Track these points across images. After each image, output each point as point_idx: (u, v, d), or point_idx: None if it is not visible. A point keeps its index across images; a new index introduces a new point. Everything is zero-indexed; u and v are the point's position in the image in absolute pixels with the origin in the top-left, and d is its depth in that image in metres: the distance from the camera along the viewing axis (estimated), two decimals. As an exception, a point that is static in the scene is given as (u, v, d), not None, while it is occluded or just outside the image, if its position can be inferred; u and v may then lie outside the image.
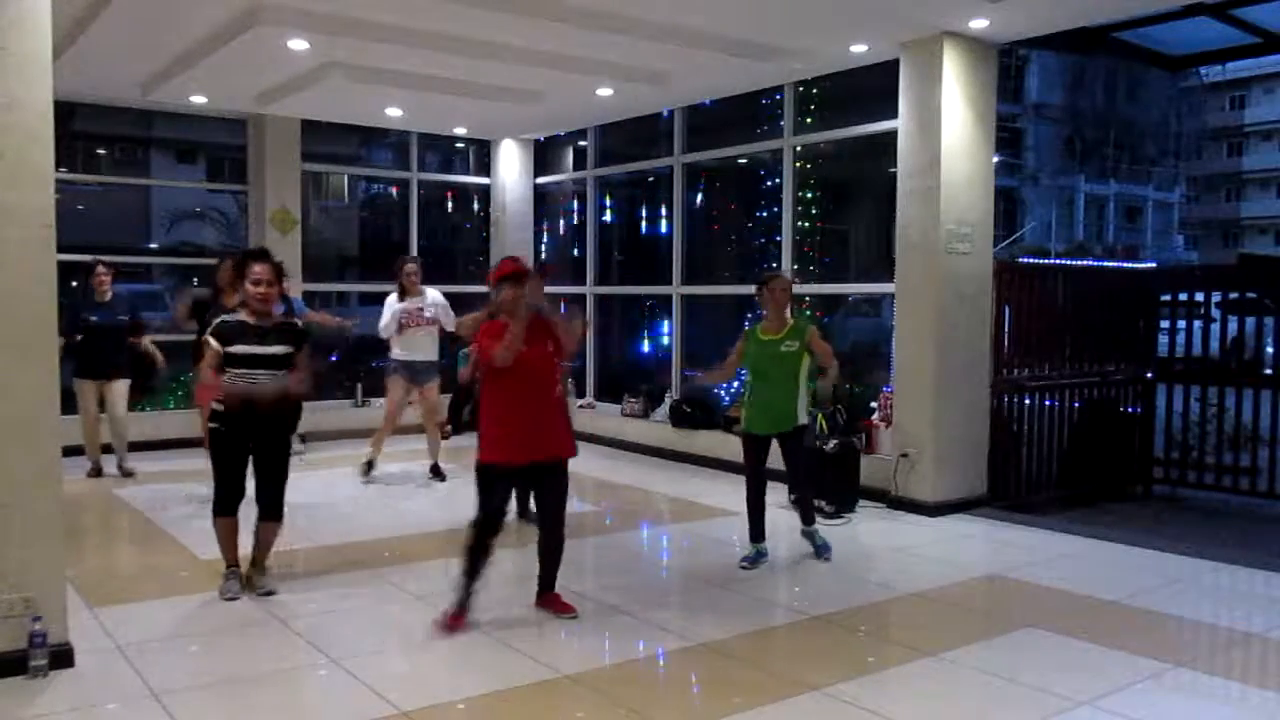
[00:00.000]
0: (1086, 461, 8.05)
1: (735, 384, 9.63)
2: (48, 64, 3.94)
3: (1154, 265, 16.00)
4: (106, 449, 8.19)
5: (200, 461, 8.45)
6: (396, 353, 7.88)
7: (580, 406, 10.24)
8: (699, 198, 10.16)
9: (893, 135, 7.34)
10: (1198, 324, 8.43)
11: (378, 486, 7.80)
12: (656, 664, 4.26)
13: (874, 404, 7.81)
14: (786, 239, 8.72)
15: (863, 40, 7.15)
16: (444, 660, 4.35)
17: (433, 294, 8.01)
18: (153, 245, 11.62)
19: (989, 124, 7.27)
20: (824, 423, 7.32)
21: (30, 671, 3.88)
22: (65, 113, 8.53)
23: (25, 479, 3.90)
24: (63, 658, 4.00)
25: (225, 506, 5.03)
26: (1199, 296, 8.64)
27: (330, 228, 12.01)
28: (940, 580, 5.46)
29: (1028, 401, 7.67)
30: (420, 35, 7.01)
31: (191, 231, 11.40)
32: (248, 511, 5.09)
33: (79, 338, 7.77)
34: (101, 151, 10.84)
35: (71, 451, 8.19)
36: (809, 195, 8.81)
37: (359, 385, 10.59)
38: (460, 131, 11.02)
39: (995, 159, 7.51)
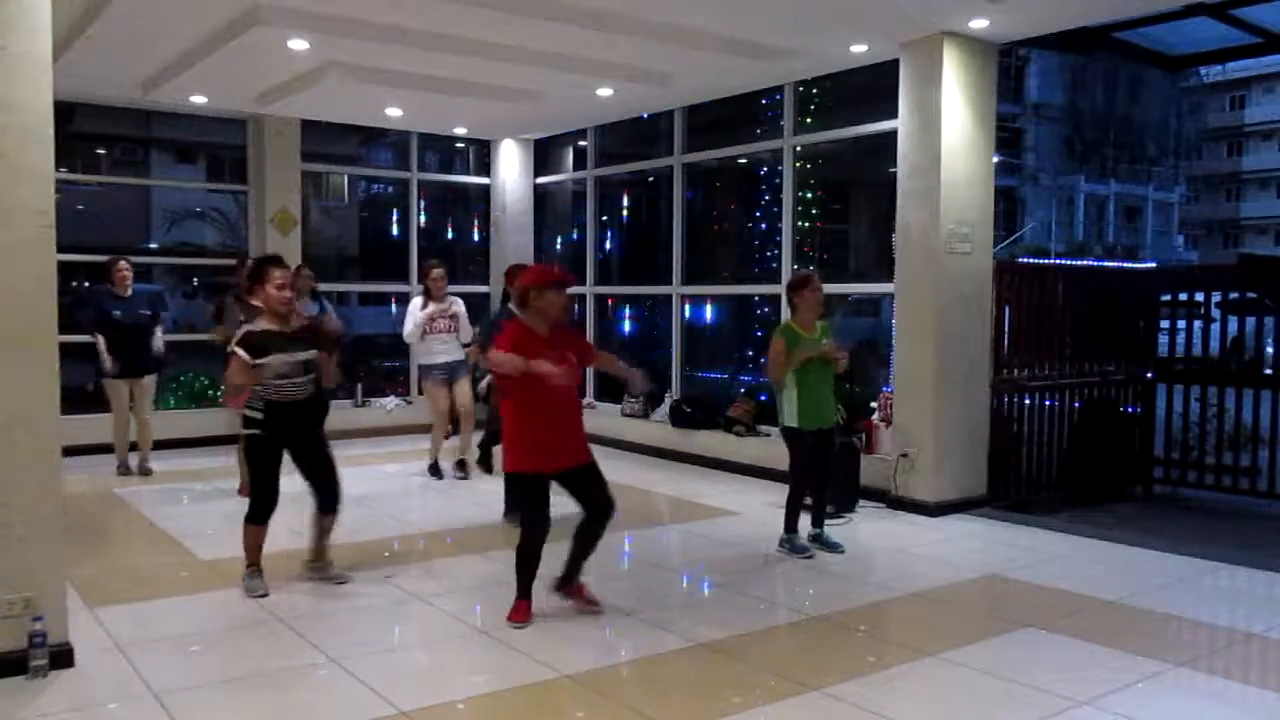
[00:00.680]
0: (1087, 461, 8.05)
1: (736, 384, 9.65)
2: (48, 64, 3.94)
3: (1154, 265, 16.00)
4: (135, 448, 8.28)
5: (198, 461, 8.48)
6: (433, 359, 7.95)
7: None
8: (699, 198, 10.16)
9: (893, 135, 7.34)
10: (1198, 324, 8.43)
11: (379, 486, 7.80)
12: (656, 664, 4.25)
13: (874, 404, 7.81)
14: (786, 239, 8.73)
15: (863, 40, 7.15)
16: (444, 660, 4.35)
17: (454, 299, 8.07)
18: (152, 245, 11.62)
19: (989, 124, 7.27)
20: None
21: (30, 671, 3.88)
22: (65, 113, 8.54)
23: (25, 479, 3.90)
24: (63, 658, 4.00)
25: (262, 515, 5.08)
26: (1199, 296, 8.64)
27: (330, 228, 12.02)
28: (940, 580, 5.46)
29: (1028, 401, 7.66)
30: (420, 35, 7.01)
31: (191, 231, 11.41)
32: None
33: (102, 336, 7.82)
34: (101, 151, 10.84)
35: (88, 451, 8.31)
36: (809, 195, 8.81)
37: (359, 386, 10.60)
38: (460, 131, 11.02)
39: (995, 159, 7.51)
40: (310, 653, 4.29)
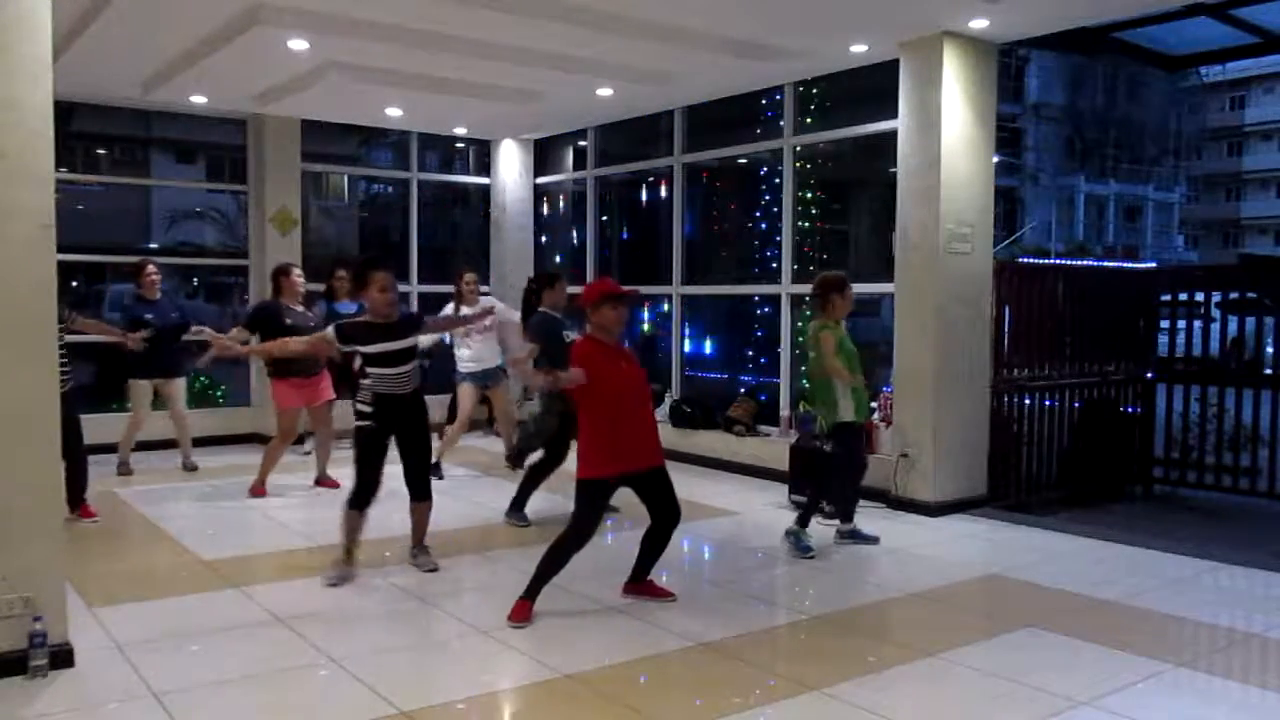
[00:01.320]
0: (1087, 461, 8.05)
1: (736, 386, 9.65)
2: (48, 64, 3.94)
3: (1154, 265, 16.00)
4: (146, 447, 8.30)
5: (199, 460, 8.47)
6: (464, 364, 7.93)
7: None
8: (699, 198, 10.16)
9: (893, 135, 7.34)
10: (1198, 324, 8.43)
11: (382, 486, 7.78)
12: (656, 664, 4.25)
13: (874, 404, 7.80)
14: (786, 239, 8.73)
15: (863, 40, 7.15)
16: (444, 660, 4.35)
17: (489, 301, 8.09)
18: (153, 245, 11.62)
19: (989, 124, 7.27)
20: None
21: (30, 671, 3.88)
22: (65, 113, 8.54)
23: (25, 479, 3.90)
24: (63, 658, 4.00)
25: (363, 502, 5.30)
26: (1199, 296, 8.64)
27: (330, 228, 12.02)
28: (940, 580, 5.46)
29: (1028, 401, 7.66)
30: (420, 35, 7.01)
31: (191, 231, 11.42)
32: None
33: (144, 337, 7.83)
34: (101, 151, 10.85)
35: (88, 451, 8.31)
36: (809, 195, 8.81)
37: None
38: (460, 131, 11.03)
39: (995, 159, 7.51)
40: (310, 653, 4.29)
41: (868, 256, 8.94)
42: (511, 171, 11.54)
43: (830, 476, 6.28)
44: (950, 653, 4.32)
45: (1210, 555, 6.01)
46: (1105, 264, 16.93)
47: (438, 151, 11.80)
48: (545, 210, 11.91)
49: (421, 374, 5.47)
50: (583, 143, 11.08)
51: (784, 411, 8.62)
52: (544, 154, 11.71)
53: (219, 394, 10.15)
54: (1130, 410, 8.46)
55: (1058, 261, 21.58)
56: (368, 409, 5.27)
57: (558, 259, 11.61)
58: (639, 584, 5.03)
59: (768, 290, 9.06)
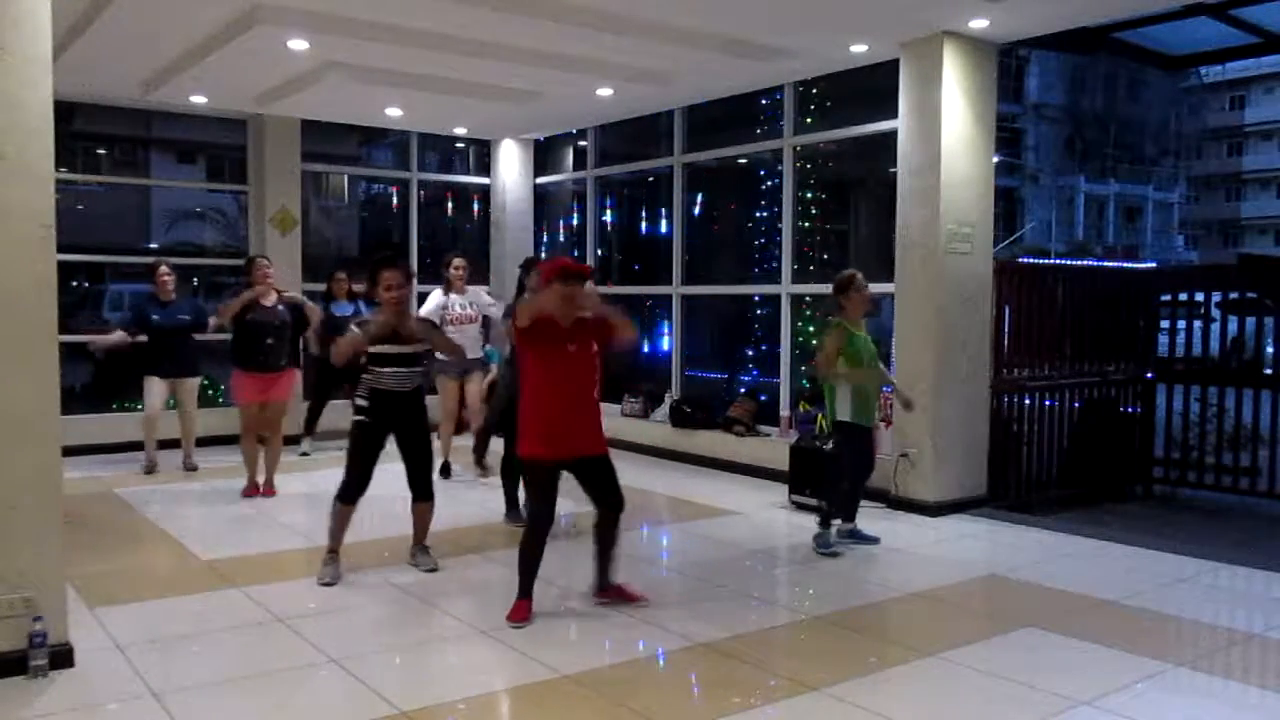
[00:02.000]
0: (1086, 461, 8.05)
1: (737, 386, 9.65)
2: (48, 64, 3.94)
3: (1154, 265, 16.00)
4: (137, 447, 8.33)
5: (199, 460, 8.47)
6: (441, 356, 7.81)
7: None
8: (699, 198, 10.16)
9: (893, 135, 7.34)
10: (1198, 324, 8.43)
11: (381, 486, 7.78)
12: (656, 664, 4.26)
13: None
14: (786, 239, 8.73)
15: (863, 40, 7.15)
16: (444, 660, 4.35)
17: (476, 291, 8.07)
18: (153, 245, 11.62)
19: (989, 124, 7.27)
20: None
21: (30, 671, 3.88)
22: (65, 113, 8.54)
23: (25, 479, 3.90)
24: (63, 658, 4.00)
25: (352, 495, 5.31)
26: (1199, 296, 8.65)
27: (330, 228, 12.01)
28: (940, 580, 5.46)
29: (1028, 401, 7.66)
30: (420, 35, 7.01)
31: (191, 231, 11.41)
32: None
33: (144, 337, 7.95)
34: (101, 151, 10.84)
35: (88, 451, 8.33)
36: (809, 195, 8.81)
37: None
38: (460, 131, 11.03)
39: (995, 159, 7.51)
40: (310, 653, 4.29)
41: (868, 256, 8.92)
42: (511, 171, 11.54)
43: (826, 476, 6.27)
44: (950, 653, 4.32)
45: (1210, 555, 6.01)
46: (1105, 264, 16.93)
47: (438, 151, 11.79)
48: (545, 210, 11.90)
49: (424, 375, 5.48)
50: (583, 143, 11.08)
51: (784, 411, 8.62)
52: (544, 154, 11.71)
53: (220, 395, 10.14)
54: (1130, 410, 8.46)
55: (1058, 261, 21.59)
56: (364, 403, 5.26)
57: (555, 249, 11.60)
58: (606, 589, 4.90)
59: (768, 290, 9.06)
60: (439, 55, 7.39)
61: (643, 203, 11.31)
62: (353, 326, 5.33)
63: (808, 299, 8.68)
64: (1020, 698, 3.86)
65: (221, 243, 10.90)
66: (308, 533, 6.38)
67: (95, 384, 9.18)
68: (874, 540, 6.18)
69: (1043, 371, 7.78)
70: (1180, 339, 8.56)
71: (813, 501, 6.87)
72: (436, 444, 8.20)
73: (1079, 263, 16.06)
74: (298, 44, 7.20)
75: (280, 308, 7.32)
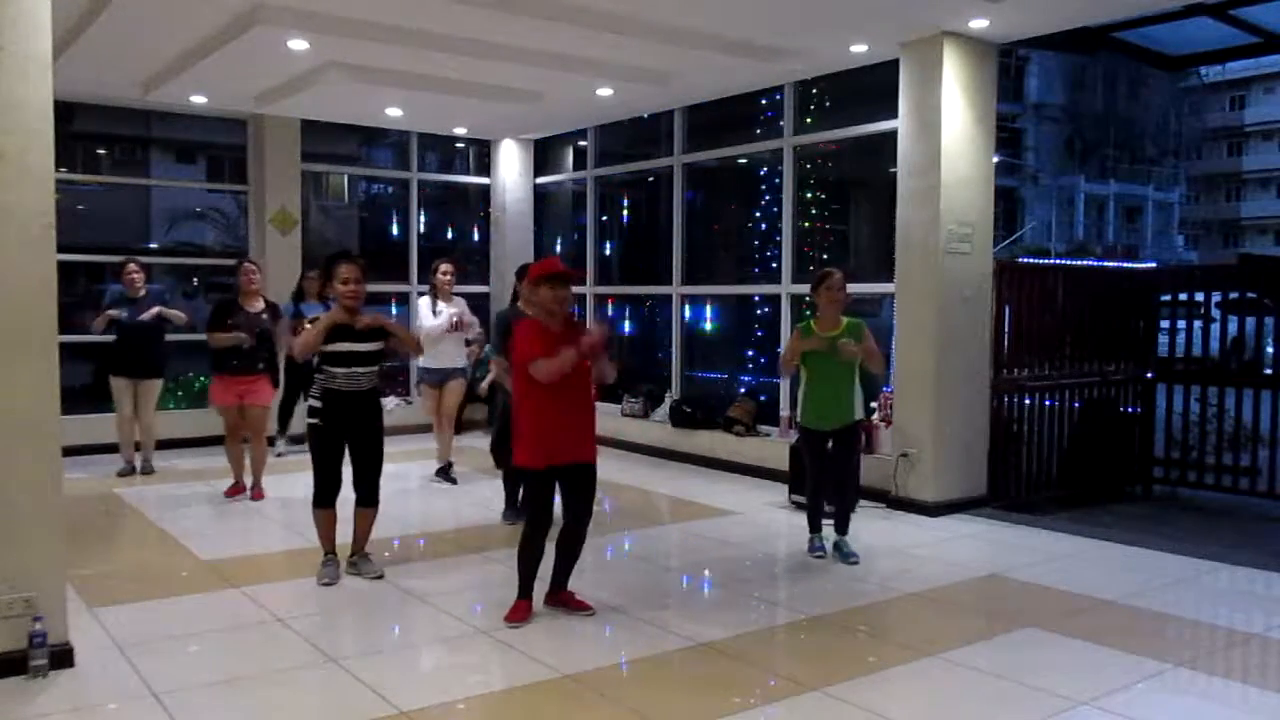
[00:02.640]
0: (1086, 461, 8.05)
1: (738, 385, 9.65)
2: (48, 64, 3.94)
3: (1154, 265, 15.99)
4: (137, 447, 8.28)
5: (197, 461, 8.47)
6: (437, 363, 7.77)
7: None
8: (699, 198, 10.16)
9: (893, 135, 7.34)
10: (1198, 324, 8.43)
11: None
12: (656, 664, 4.25)
13: (874, 404, 7.80)
14: (786, 239, 8.73)
15: (863, 40, 7.15)
16: (444, 660, 4.35)
17: (460, 302, 7.97)
18: (153, 245, 11.62)
19: (989, 124, 7.27)
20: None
21: (30, 671, 3.88)
22: (65, 113, 8.54)
23: (25, 479, 3.90)
24: (63, 658, 4.00)
25: (325, 499, 5.29)
26: (1199, 296, 8.64)
27: (330, 228, 12.02)
28: (940, 580, 5.46)
29: (1028, 401, 7.66)
30: (420, 35, 7.01)
31: (191, 232, 11.41)
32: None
33: (114, 337, 7.82)
34: (101, 151, 10.84)
35: (93, 450, 8.32)
36: (809, 195, 8.81)
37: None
38: (460, 131, 11.03)
39: (995, 159, 7.51)
40: (310, 653, 4.29)
41: (868, 256, 8.94)
42: (511, 171, 11.54)
43: (846, 480, 6.14)
44: (950, 653, 4.32)
45: (1210, 555, 6.01)
46: (1105, 264, 16.92)
47: (438, 151, 11.79)
48: (545, 210, 11.90)
49: (380, 375, 5.39)
50: (583, 143, 11.08)
51: (784, 412, 8.62)
52: (544, 154, 11.71)
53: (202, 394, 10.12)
54: (1130, 410, 8.46)
55: (1058, 261, 21.58)
56: (318, 404, 5.19)
57: (555, 249, 11.61)
58: (557, 594, 4.85)
59: (768, 290, 9.06)
60: (439, 55, 7.39)
61: (643, 203, 11.31)
62: (306, 324, 5.32)
63: (808, 299, 8.66)
64: (1020, 698, 3.86)
65: (221, 243, 10.90)
66: (307, 533, 6.38)
67: (96, 385, 9.16)
68: (852, 559, 5.80)
69: (1043, 371, 7.78)
70: (1180, 339, 8.56)
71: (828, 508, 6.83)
72: (425, 445, 8.25)
73: (1079, 263, 16.07)
74: (298, 44, 7.20)
75: (264, 315, 7.28)
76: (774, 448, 8.21)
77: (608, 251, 11.26)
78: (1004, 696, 3.90)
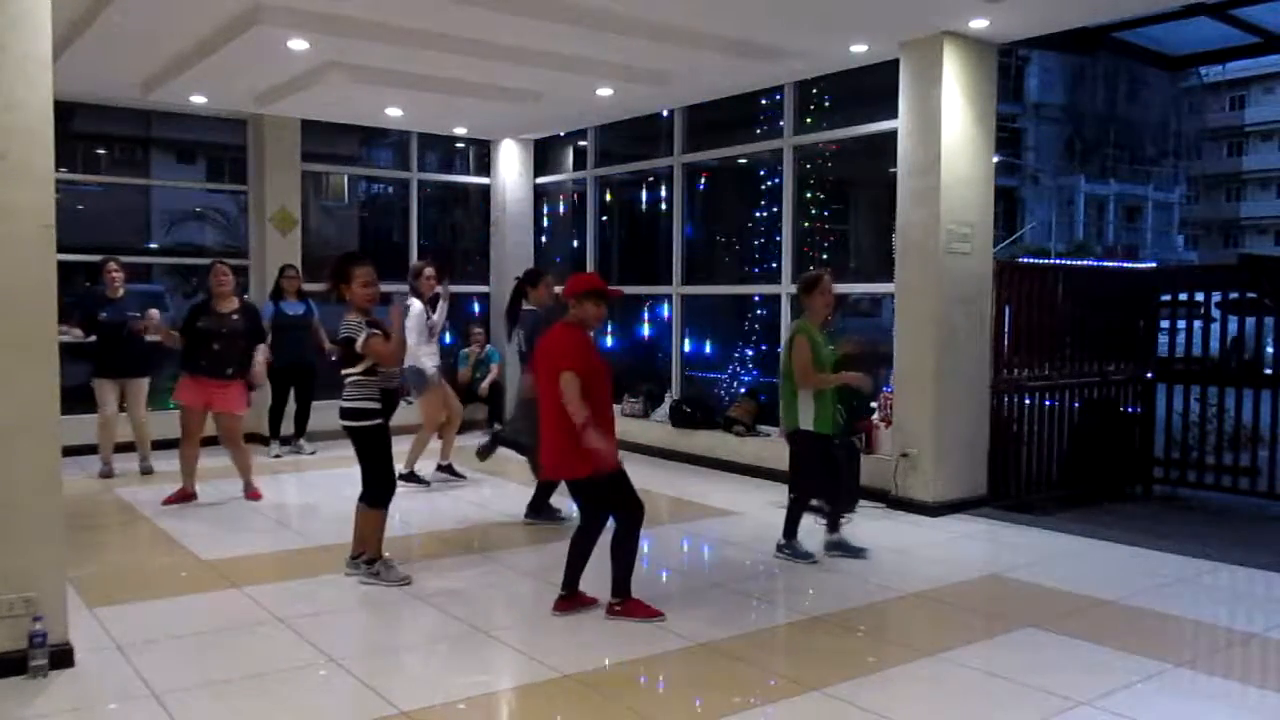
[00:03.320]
0: (1086, 461, 8.05)
1: (738, 385, 9.65)
2: (48, 64, 3.94)
3: (1154, 265, 15.99)
4: (120, 449, 8.22)
5: (202, 461, 8.48)
6: (434, 363, 7.70)
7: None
8: (699, 198, 10.16)
9: (893, 135, 7.34)
10: (1198, 324, 8.43)
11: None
12: (656, 664, 4.26)
13: (874, 404, 7.81)
14: (786, 239, 8.73)
15: (863, 40, 7.15)
16: (444, 660, 4.35)
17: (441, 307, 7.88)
18: (153, 245, 11.61)
19: (989, 124, 7.27)
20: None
21: (30, 671, 3.88)
22: (65, 113, 8.52)
23: (26, 479, 3.90)
24: (63, 658, 4.00)
25: (384, 500, 5.31)
26: (1199, 296, 8.64)
27: (330, 228, 12.01)
28: (940, 580, 5.46)
29: (1028, 401, 7.66)
30: (420, 35, 7.01)
31: (191, 232, 11.39)
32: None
33: (93, 337, 7.80)
34: (101, 151, 10.83)
35: (77, 450, 8.30)
36: (809, 195, 8.81)
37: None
38: (460, 131, 11.03)
39: (995, 159, 7.51)
40: (310, 653, 4.29)
41: (868, 256, 8.95)
42: (511, 171, 11.54)
43: (804, 481, 6.06)
44: (950, 653, 4.32)
45: (1210, 555, 6.01)
46: (1105, 264, 16.93)
47: (438, 151, 11.79)
48: (545, 210, 11.91)
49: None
50: (583, 143, 11.08)
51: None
52: (544, 154, 11.71)
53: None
54: (1130, 410, 8.46)
55: (1058, 261, 21.58)
56: (375, 405, 5.18)
57: (557, 259, 11.60)
58: (617, 601, 4.81)
59: (768, 290, 9.06)
60: (439, 55, 7.39)
61: (643, 203, 11.31)
62: (376, 333, 5.15)
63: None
64: (1020, 698, 3.87)
65: (221, 243, 10.89)
66: (307, 533, 6.39)
67: (89, 385, 9.14)
68: (810, 559, 5.79)
69: (1043, 371, 7.78)
70: (1180, 339, 8.56)
71: (813, 503, 6.84)
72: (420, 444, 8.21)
73: (1079, 263, 16.07)
74: (298, 44, 7.20)
75: (235, 316, 7.12)
76: (774, 448, 8.20)
77: (608, 252, 11.26)
78: (1004, 696, 3.90)
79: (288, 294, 9.05)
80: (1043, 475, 7.77)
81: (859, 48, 7.31)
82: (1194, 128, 46.65)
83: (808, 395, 5.73)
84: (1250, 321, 9.13)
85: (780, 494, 7.48)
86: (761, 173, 9.36)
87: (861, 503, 7.11)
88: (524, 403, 6.49)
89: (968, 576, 5.61)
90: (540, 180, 11.69)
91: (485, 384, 10.36)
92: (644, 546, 6.34)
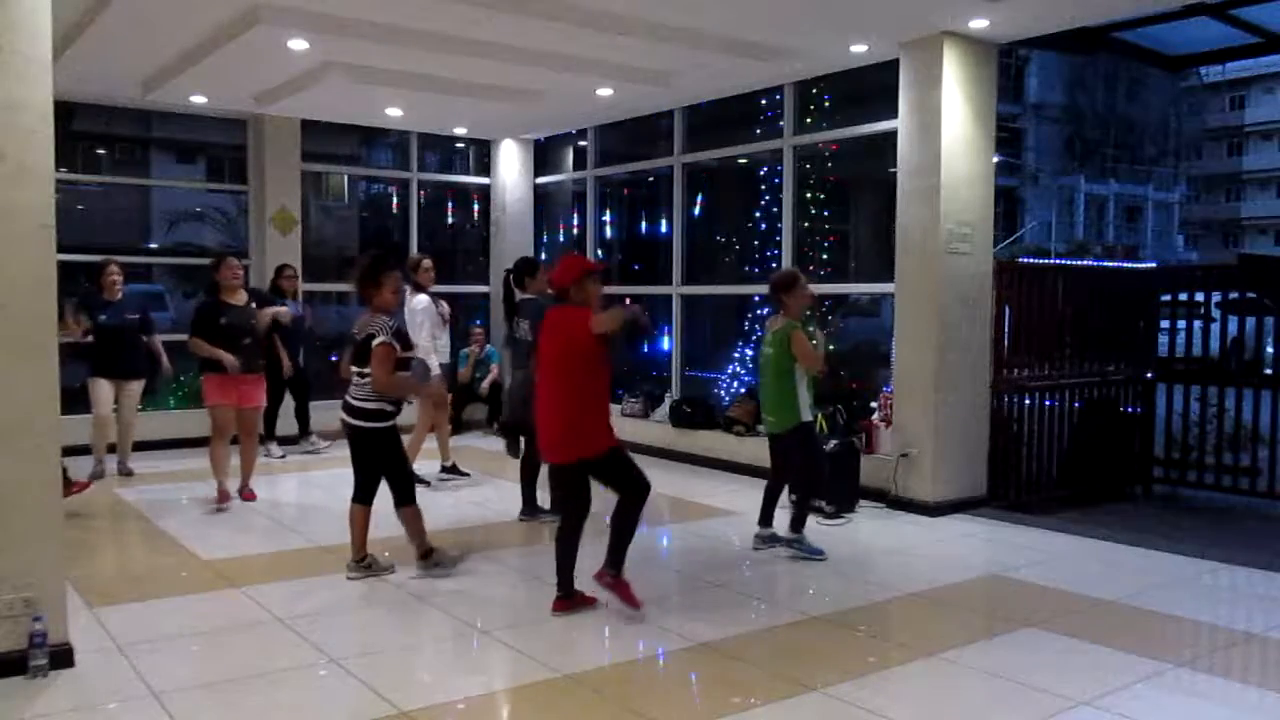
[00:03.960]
0: (1086, 461, 8.05)
1: (736, 384, 9.65)
2: (48, 64, 3.94)
3: (1154, 265, 15.99)
4: (136, 448, 8.25)
5: (194, 462, 8.47)
6: (440, 359, 7.65)
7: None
8: (699, 198, 10.16)
9: (893, 135, 7.34)
10: (1198, 324, 8.43)
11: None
12: (656, 664, 4.26)
13: (874, 404, 7.81)
14: (786, 239, 8.73)
15: (863, 40, 7.15)
16: (444, 660, 4.35)
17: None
18: (153, 245, 11.61)
19: (989, 124, 7.27)
20: (824, 423, 7.31)
21: (30, 671, 3.88)
22: (65, 113, 8.53)
23: (25, 479, 3.90)
24: (63, 658, 4.00)
25: (414, 494, 5.39)
26: (1199, 296, 8.64)
27: (330, 228, 12.02)
28: (940, 580, 5.46)
29: (1028, 401, 7.66)
30: (420, 35, 7.01)
31: (191, 232, 11.40)
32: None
33: (90, 337, 7.79)
34: (101, 151, 10.84)
35: (72, 451, 8.29)
36: (809, 195, 8.81)
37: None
38: (460, 131, 11.03)
39: (995, 159, 7.51)
40: (310, 653, 4.29)
41: (868, 256, 8.95)
42: (511, 171, 11.54)
43: (804, 475, 6.11)
44: (950, 653, 4.32)
45: (1210, 555, 6.01)
46: (1105, 264, 16.91)
47: (438, 151, 11.79)
48: (545, 210, 11.90)
49: None
50: (583, 143, 11.08)
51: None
52: (544, 154, 11.71)
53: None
54: (1130, 410, 8.46)
55: (1058, 261, 21.56)
56: (390, 408, 5.23)
57: (555, 249, 11.61)
58: (606, 574, 4.83)
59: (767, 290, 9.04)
60: (439, 55, 7.39)
61: (643, 203, 11.31)
62: (393, 341, 5.15)
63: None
64: (1020, 698, 3.86)
65: (222, 243, 10.88)
66: (307, 533, 6.39)
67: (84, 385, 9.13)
68: (820, 555, 5.85)
69: (1043, 371, 7.78)
70: (1180, 339, 8.56)
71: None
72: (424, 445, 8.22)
73: (1079, 263, 16.06)
74: (298, 44, 7.20)
75: (251, 307, 7.12)
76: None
77: (608, 251, 11.26)
78: (1004, 696, 3.90)
79: (285, 294, 9.04)
80: (1043, 475, 7.77)
81: (859, 48, 7.31)
82: (1194, 128, 46.65)
83: (804, 387, 5.82)
84: (1250, 321, 9.13)
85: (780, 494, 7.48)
86: (761, 173, 9.36)
87: (861, 503, 7.12)
88: (527, 384, 6.54)
89: (968, 576, 5.61)
90: (540, 180, 11.69)
91: (485, 384, 10.36)
92: (644, 547, 6.35)
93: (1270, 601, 5.30)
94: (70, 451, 7.66)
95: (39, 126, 3.92)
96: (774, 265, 8.92)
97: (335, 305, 11.32)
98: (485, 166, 11.71)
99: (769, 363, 5.93)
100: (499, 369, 10.37)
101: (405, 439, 5.63)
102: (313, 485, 8.22)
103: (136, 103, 9.39)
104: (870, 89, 7.77)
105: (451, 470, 8.01)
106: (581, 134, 11.00)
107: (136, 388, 8.14)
